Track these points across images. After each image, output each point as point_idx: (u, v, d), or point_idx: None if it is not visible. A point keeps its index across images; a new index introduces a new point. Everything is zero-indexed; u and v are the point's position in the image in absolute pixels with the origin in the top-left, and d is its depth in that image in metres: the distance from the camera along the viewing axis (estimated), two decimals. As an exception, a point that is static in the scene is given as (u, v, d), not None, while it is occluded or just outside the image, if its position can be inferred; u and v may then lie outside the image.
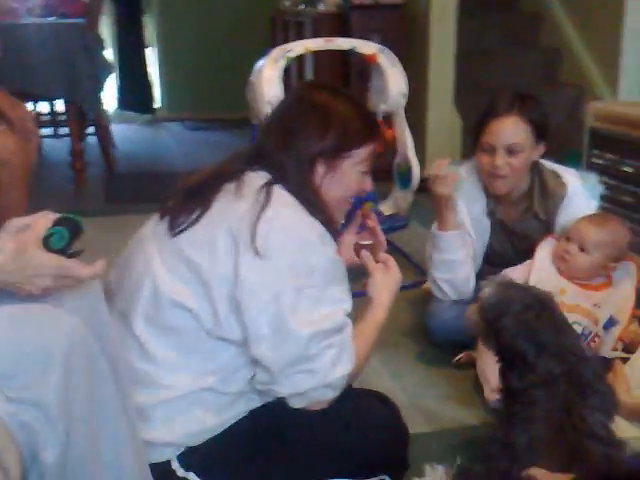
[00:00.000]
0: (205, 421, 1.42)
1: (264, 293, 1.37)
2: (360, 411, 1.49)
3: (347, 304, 1.46)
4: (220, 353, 1.42)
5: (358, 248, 1.69)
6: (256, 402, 1.47)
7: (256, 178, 1.47)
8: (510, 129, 2.07)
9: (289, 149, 1.49)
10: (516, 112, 2.07)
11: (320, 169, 1.51)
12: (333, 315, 1.41)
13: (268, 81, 2.65)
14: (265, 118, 1.62)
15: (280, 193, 1.44)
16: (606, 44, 4.25)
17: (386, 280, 1.60)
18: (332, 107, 1.52)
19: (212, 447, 1.42)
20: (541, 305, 1.51)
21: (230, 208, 1.42)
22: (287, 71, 4.18)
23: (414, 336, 2.45)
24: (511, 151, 2.07)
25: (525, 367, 1.47)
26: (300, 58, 4.34)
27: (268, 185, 1.44)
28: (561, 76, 4.62)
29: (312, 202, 1.48)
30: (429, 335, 2.34)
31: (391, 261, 1.65)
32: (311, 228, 1.43)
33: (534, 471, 1.34)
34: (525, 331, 1.48)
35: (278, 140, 1.51)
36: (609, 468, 1.31)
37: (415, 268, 2.88)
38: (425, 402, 2.07)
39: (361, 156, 1.53)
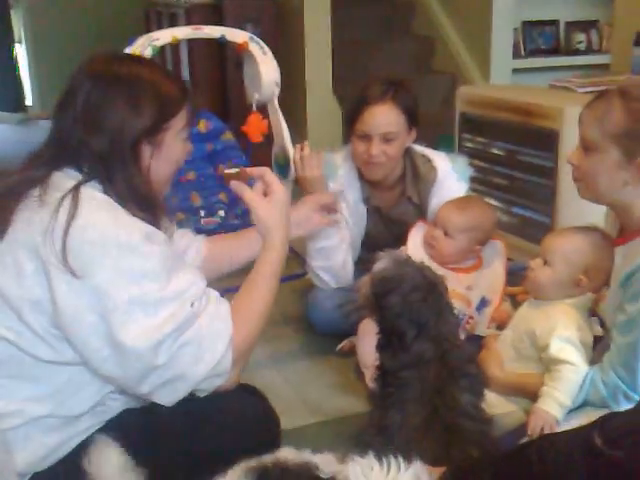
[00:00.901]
0: (48, 445, 1.32)
1: (89, 315, 1.25)
2: (227, 408, 1.41)
3: (195, 288, 1.34)
4: (53, 376, 1.31)
5: (227, 178, 1.56)
6: (113, 411, 1.39)
7: (63, 179, 1.31)
8: (385, 117, 2.07)
9: (101, 136, 1.31)
10: (389, 100, 2.08)
11: (145, 151, 1.36)
12: (177, 313, 1.29)
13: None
14: (60, 105, 1.37)
15: (90, 196, 1.29)
16: (477, 31, 4.39)
17: (271, 211, 1.48)
18: (138, 76, 1.35)
19: (61, 466, 1.33)
20: (430, 288, 1.51)
21: (34, 219, 1.27)
22: (162, 62, 4.10)
23: (297, 327, 2.43)
24: (386, 139, 2.08)
25: (400, 347, 1.48)
26: (176, 49, 4.26)
27: (75, 188, 1.28)
28: (435, 64, 4.73)
29: (142, 194, 1.34)
30: (312, 325, 2.32)
31: (272, 180, 1.50)
32: (130, 230, 1.28)
33: None
34: (409, 312, 1.48)
35: (86, 128, 1.32)
36: (480, 456, 1.32)
37: (298, 258, 2.86)
38: (310, 393, 2.05)
39: (181, 122, 1.40)
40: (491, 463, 1.15)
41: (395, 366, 1.47)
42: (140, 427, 1.38)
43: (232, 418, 1.43)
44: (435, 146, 2.35)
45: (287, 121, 2.90)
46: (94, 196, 1.30)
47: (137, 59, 1.48)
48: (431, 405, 1.42)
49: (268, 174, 1.52)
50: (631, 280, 1.45)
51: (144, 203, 1.34)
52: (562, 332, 1.58)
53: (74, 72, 1.38)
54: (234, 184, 1.52)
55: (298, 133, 3.06)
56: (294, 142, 2.87)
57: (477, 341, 1.84)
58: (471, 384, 1.46)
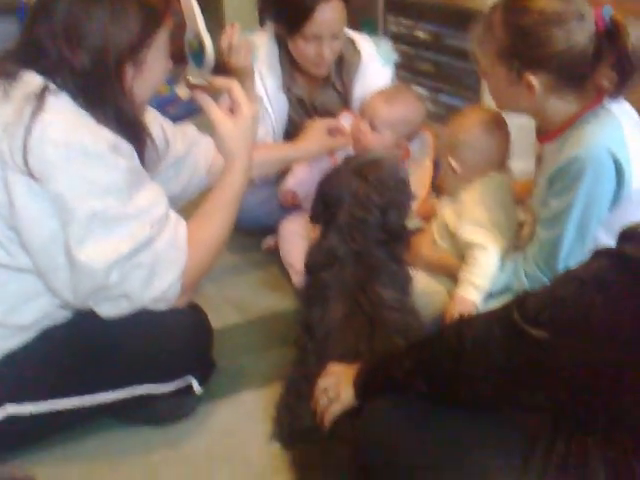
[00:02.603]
0: None
1: (49, 220, 1.21)
2: (157, 314, 1.36)
3: (156, 209, 1.29)
4: (6, 282, 1.28)
5: (190, 87, 1.44)
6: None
7: (35, 79, 1.23)
8: (336, 16, 1.93)
9: (84, 54, 1.22)
10: None
11: (128, 72, 1.27)
12: (136, 233, 1.25)
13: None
14: (35, 14, 1.26)
15: (58, 98, 1.21)
16: None
17: (235, 132, 1.39)
18: None
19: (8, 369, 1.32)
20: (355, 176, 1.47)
21: None
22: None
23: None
24: (336, 37, 1.96)
25: (316, 244, 1.47)
26: None
27: (44, 89, 1.20)
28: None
29: (128, 118, 1.27)
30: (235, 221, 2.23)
31: (240, 98, 1.40)
32: (96, 138, 1.22)
33: (331, 366, 1.32)
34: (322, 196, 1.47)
35: (68, 45, 1.22)
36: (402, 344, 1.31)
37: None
38: (235, 292, 2.00)
39: (163, 38, 1.32)
40: (412, 349, 1.14)
41: (314, 265, 1.44)
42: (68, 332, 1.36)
43: (161, 327, 1.38)
44: (358, 29, 2.22)
45: (200, 3, 2.70)
46: (63, 100, 1.21)
47: None
48: (353, 301, 1.39)
49: (237, 90, 1.41)
50: (560, 175, 1.42)
51: (130, 127, 1.27)
52: (469, 215, 1.58)
53: None
54: (199, 97, 1.41)
55: (214, 14, 2.86)
56: (209, 27, 2.67)
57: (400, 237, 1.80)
58: (393, 280, 1.44)
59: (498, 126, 1.63)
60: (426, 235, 1.71)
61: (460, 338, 1.01)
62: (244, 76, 1.93)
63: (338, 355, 1.34)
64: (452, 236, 1.62)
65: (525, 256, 1.52)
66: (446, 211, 1.67)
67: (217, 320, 1.73)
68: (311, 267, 1.46)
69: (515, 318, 0.92)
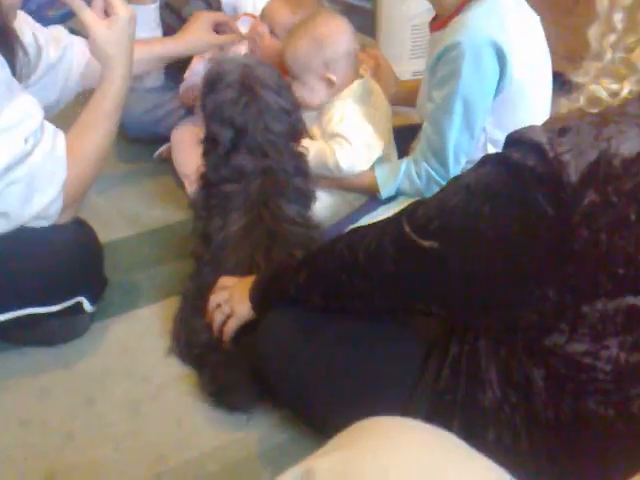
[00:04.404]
0: None
1: None
2: (38, 232, 1.29)
3: (30, 121, 1.20)
4: None
5: None
6: None
7: None
8: None
9: None
10: None
11: None
12: (9, 148, 1.18)
13: None
14: None
15: None
16: None
17: (112, 36, 1.29)
18: None
19: None
20: (245, 88, 1.37)
21: None
22: None
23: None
24: None
25: (220, 159, 1.38)
26: None
27: None
28: None
29: None
30: (123, 130, 2.12)
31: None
32: None
33: (223, 279, 1.30)
34: (220, 115, 1.36)
35: None
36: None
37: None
38: (127, 203, 1.92)
39: None
40: (305, 263, 1.13)
41: (217, 178, 1.38)
42: None
43: (44, 246, 1.31)
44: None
45: None
46: None
47: None
48: (255, 213, 1.35)
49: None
50: (439, 63, 1.40)
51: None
52: (332, 127, 1.56)
53: None
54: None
55: None
56: None
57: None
58: (297, 195, 1.40)
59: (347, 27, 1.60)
60: None
61: (352, 252, 1.00)
62: None
63: (232, 265, 1.32)
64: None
65: (415, 156, 1.52)
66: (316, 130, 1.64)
67: (108, 234, 1.69)
68: (214, 181, 1.39)
69: (405, 229, 0.92)
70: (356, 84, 1.60)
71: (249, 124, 1.36)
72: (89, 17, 1.29)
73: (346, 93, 1.60)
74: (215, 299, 1.28)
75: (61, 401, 1.32)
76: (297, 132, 1.44)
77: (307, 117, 1.55)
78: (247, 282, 1.23)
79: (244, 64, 1.40)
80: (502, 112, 1.44)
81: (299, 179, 1.41)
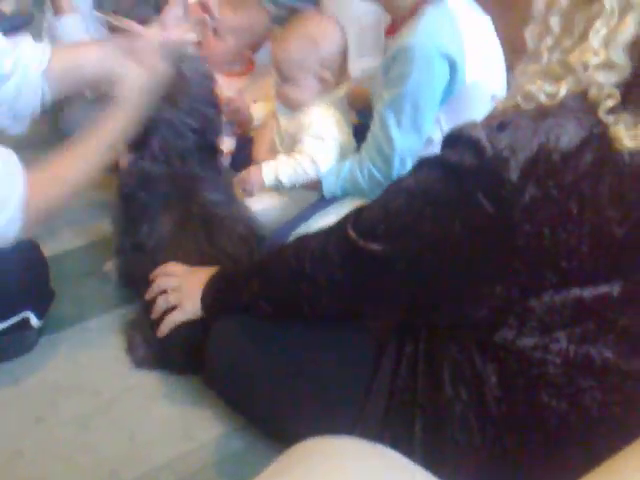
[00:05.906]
0: None
1: None
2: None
3: None
4: None
5: (111, 27, 1.36)
6: None
7: None
8: None
9: None
10: None
11: None
12: None
13: None
14: None
15: None
16: None
17: (142, 83, 1.28)
18: None
19: None
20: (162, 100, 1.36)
21: None
22: None
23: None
24: None
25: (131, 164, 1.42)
26: None
27: None
28: None
29: None
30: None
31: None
32: None
33: (169, 265, 1.28)
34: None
35: None
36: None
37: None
38: (72, 215, 1.83)
39: None
40: (255, 271, 1.13)
41: (129, 187, 1.39)
42: None
43: None
44: None
45: None
46: None
47: None
48: (181, 209, 1.36)
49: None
50: (390, 64, 1.41)
51: None
52: (315, 129, 1.54)
53: None
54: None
55: None
56: None
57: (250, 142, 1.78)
58: (216, 186, 1.41)
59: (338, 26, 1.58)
60: (264, 142, 1.67)
61: (298, 259, 1.00)
62: None
63: (179, 261, 1.31)
64: (294, 143, 1.58)
65: (360, 155, 1.52)
66: (285, 122, 1.62)
67: (55, 246, 1.66)
68: (127, 191, 1.39)
69: (350, 235, 0.92)
70: (339, 90, 1.60)
71: (149, 135, 1.37)
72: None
73: (329, 98, 1.59)
74: (161, 283, 1.25)
75: (10, 418, 1.29)
76: (209, 146, 1.45)
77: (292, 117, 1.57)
78: (199, 276, 1.21)
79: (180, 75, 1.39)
80: (458, 111, 1.45)
81: (213, 173, 1.43)
